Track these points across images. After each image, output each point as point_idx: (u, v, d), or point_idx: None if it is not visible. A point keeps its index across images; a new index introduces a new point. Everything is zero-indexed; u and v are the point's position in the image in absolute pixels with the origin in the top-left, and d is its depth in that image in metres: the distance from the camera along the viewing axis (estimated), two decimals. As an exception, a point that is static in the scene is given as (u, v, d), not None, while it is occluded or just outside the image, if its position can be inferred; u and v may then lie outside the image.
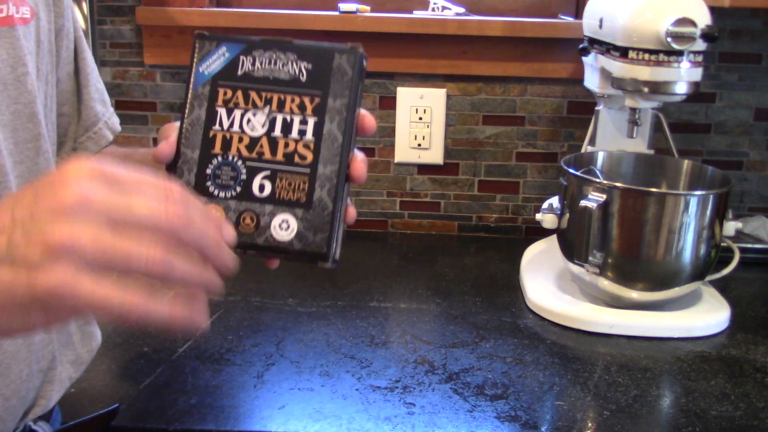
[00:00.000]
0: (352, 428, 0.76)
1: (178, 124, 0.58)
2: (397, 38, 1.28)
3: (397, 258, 1.27)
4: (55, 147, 0.73)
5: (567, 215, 1.02)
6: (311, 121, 0.56)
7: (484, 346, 0.94)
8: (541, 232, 1.13)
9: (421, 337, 0.96)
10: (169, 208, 0.42)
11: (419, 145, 1.33)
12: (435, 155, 1.34)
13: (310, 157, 0.56)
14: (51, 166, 0.68)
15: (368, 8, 1.29)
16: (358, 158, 0.56)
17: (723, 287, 1.09)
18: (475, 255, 1.28)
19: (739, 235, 1.17)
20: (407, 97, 1.32)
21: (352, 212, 0.58)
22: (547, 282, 1.09)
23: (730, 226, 1.01)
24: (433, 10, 1.29)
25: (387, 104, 1.33)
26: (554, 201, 1.06)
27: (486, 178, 1.36)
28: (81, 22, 1.26)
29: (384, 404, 0.80)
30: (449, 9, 1.29)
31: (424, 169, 1.36)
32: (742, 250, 1.07)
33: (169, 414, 0.77)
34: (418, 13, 1.29)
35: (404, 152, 1.34)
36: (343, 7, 1.27)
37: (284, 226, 0.55)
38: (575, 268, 1.01)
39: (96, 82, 0.80)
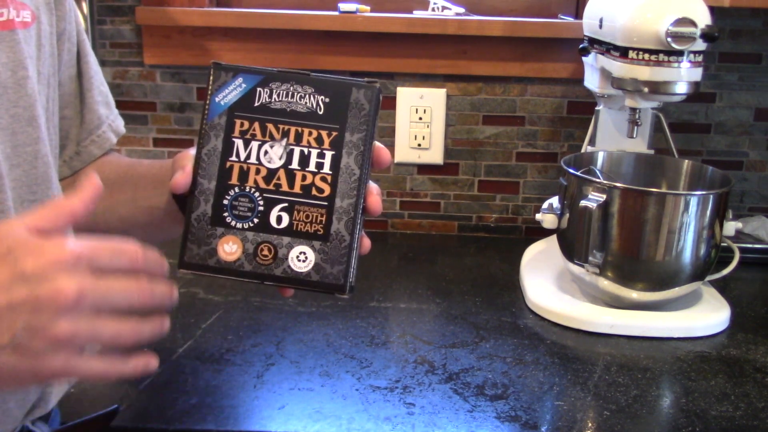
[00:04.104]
0: (352, 428, 0.76)
1: (192, 152, 0.58)
2: (397, 38, 1.28)
3: (397, 258, 1.27)
4: (56, 151, 0.73)
5: (567, 215, 1.02)
6: (329, 154, 0.57)
7: (484, 346, 0.94)
8: (541, 232, 1.13)
9: (421, 337, 0.96)
10: (138, 288, 0.50)
11: (419, 145, 1.33)
12: (435, 155, 1.34)
13: (327, 190, 0.57)
14: (50, 171, 0.68)
15: (368, 8, 1.29)
16: (374, 191, 0.58)
17: (723, 287, 1.09)
18: (475, 255, 1.28)
19: (739, 235, 1.17)
20: (407, 97, 1.32)
21: (367, 243, 0.60)
22: (547, 282, 1.09)
23: (730, 226, 1.01)
24: (433, 10, 1.29)
25: (387, 104, 1.33)
26: (554, 201, 1.06)
27: (486, 178, 1.36)
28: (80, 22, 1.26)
29: (384, 404, 0.80)
30: (449, 9, 1.29)
31: (424, 169, 1.36)
32: (742, 250, 1.07)
33: (169, 414, 0.77)
34: (418, 13, 1.29)
35: (404, 152, 1.34)
36: (343, 7, 1.27)
37: (302, 258, 0.57)
38: (575, 268, 1.01)
39: (99, 85, 0.80)
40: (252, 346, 0.92)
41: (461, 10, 1.29)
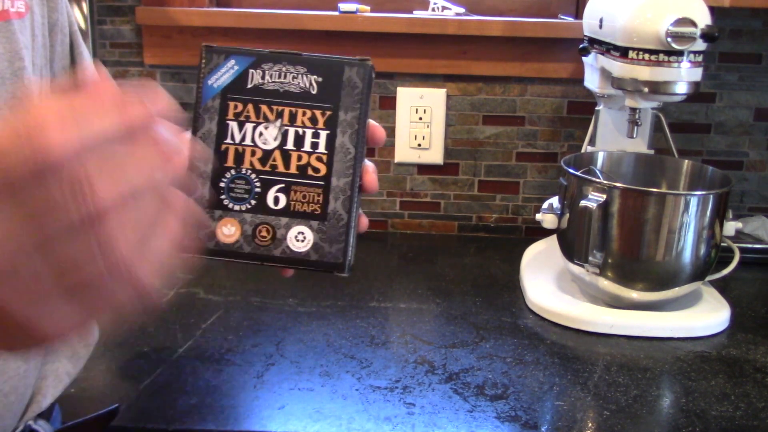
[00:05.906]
0: (352, 428, 0.76)
1: (187, 136, 0.58)
2: (397, 38, 1.28)
3: (397, 258, 1.27)
4: None
5: (567, 215, 1.02)
6: (323, 134, 0.57)
7: (484, 346, 0.94)
8: (541, 232, 1.13)
9: (421, 337, 0.96)
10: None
11: (419, 145, 1.33)
12: (435, 155, 1.34)
13: (323, 169, 0.57)
14: None
15: (368, 8, 1.29)
16: (369, 169, 0.57)
17: (723, 287, 1.09)
18: (475, 255, 1.28)
19: (739, 235, 1.17)
20: (407, 97, 1.32)
21: (364, 221, 0.59)
22: (547, 282, 1.09)
23: (730, 226, 1.01)
24: (433, 10, 1.29)
25: (387, 104, 1.33)
26: (554, 201, 1.06)
27: (486, 178, 1.36)
28: (81, 22, 1.26)
29: (384, 404, 0.80)
30: (449, 9, 1.29)
31: (424, 169, 1.36)
32: (742, 250, 1.07)
33: (169, 414, 0.77)
34: (418, 13, 1.29)
35: (404, 152, 1.34)
36: (343, 7, 1.27)
37: (300, 238, 0.57)
38: (575, 268, 1.01)
39: (92, 76, 0.80)
40: (252, 346, 0.92)
41: (461, 10, 1.29)
